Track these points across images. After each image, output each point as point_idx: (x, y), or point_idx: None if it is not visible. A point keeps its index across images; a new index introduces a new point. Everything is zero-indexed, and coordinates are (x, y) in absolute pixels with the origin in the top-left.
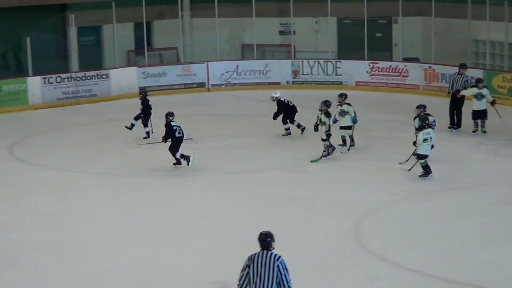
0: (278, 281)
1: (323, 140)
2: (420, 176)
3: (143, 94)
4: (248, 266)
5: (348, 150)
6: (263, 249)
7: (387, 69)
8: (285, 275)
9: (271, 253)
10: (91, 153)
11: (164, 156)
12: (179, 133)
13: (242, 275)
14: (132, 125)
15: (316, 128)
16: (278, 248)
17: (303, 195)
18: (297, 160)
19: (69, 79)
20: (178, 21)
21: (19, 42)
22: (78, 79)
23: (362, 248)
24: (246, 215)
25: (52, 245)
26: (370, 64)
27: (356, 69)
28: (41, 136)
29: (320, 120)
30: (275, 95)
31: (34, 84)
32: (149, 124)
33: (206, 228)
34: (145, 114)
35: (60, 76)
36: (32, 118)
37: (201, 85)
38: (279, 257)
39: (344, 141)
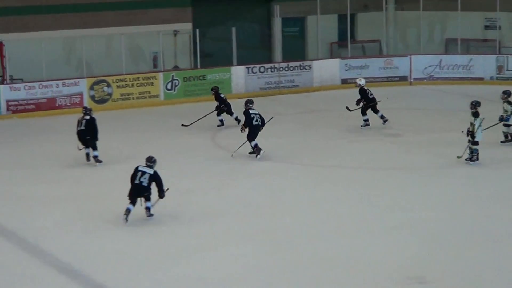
0: None
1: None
2: None
3: (215, 89)
4: None
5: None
6: None
7: None
8: None
9: None
10: (292, 144)
11: (370, 148)
12: (256, 121)
13: None
14: (221, 121)
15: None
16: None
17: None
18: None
19: (272, 70)
20: (382, 13)
21: (225, 32)
22: (281, 69)
23: None
24: (455, 211)
25: (260, 233)
26: None
27: None
28: None
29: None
30: (359, 82)
31: (238, 73)
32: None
33: (411, 221)
34: (225, 105)
35: (263, 66)
36: (236, 106)
37: (403, 78)
38: None
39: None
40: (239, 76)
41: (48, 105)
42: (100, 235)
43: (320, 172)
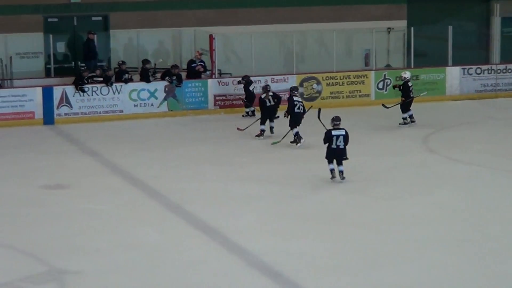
0: None
1: None
2: None
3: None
4: None
5: None
6: None
7: None
8: None
9: None
10: (502, 149)
11: None
12: (298, 108)
13: None
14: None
15: None
16: None
17: None
18: None
19: (489, 71)
20: None
21: (441, 30)
22: (499, 71)
23: None
24: None
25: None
26: None
27: None
28: (456, 128)
29: None
30: (404, 75)
31: (453, 74)
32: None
33: None
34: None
35: (479, 68)
36: (449, 109)
37: None
38: None
39: None
40: (454, 77)
41: (256, 101)
42: (301, 235)
43: None
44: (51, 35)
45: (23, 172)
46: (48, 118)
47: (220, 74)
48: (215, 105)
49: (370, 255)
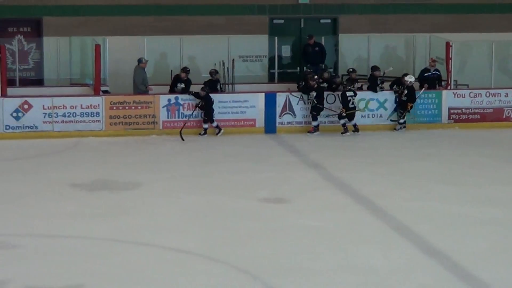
0: None
1: None
2: None
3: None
4: None
5: None
6: None
7: None
8: None
9: None
10: None
11: None
12: (352, 104)
13: None
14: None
15: None
16: None
17: None
18: None
19: None
20: None
21: None
22: None
23: None
24: None
25: None
26: None
27: None
28: None
29: None
30: (409, 79)
31: None
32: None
33: None
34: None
35: None
36: None
37: None
38: None
39: None
40: None
41: (493, 116)
42: None
43: None
44: (276, 38)
45: (242, 183)
46: (270, 127)
47: (456, 85)
48: (449, 118)
49: None
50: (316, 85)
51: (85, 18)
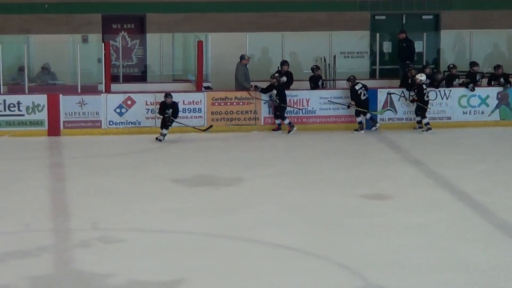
0: None
1: None
2: None
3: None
4: None
5: None
6: None
7: None
8: None
9: None
10: None
11: None
12: (364, 95)
13: None
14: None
15: None
16: None
17: None
18: None
19: None
20: None
21: None
22: None
23: None
24: None
25: None
26: None
27: None
28: None
29: None
30: (420, 78)
31: None
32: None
33: None
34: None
35: None
36: None
37: None
38: None
39: None
40: None
41: None
42: None
43: None
44: (377, 34)
45: (344, 179)
46: (370, 123)
47: None
48: None
49: None
50: (276, 83)
51: (187, 15)
